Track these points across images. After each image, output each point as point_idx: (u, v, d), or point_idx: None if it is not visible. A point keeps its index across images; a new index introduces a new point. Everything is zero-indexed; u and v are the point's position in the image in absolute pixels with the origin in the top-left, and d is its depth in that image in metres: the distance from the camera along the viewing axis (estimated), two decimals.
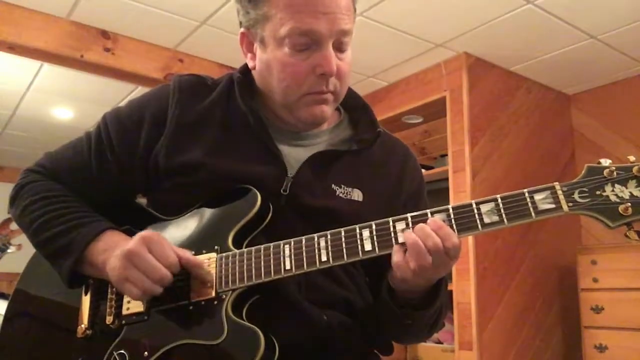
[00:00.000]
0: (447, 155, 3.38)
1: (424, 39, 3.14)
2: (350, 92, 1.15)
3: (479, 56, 3.33)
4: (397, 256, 0.86)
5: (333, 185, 1.03)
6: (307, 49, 0.96)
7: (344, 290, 1.02)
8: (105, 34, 3.16)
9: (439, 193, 3.31)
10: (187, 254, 0.93)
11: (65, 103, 4.27)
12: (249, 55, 1.06)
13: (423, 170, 2.97)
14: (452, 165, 3.27)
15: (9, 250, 5.56)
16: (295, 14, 0.94)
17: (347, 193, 1.03)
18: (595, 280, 3.03)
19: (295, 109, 1.02)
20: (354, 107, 1.15)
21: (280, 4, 0.95)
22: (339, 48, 0.99)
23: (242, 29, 1.05)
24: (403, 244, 0.86)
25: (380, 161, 1.10)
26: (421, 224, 0.85)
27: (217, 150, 1.02)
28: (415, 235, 0.84)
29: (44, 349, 1.04)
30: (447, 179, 3.29)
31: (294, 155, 1.04)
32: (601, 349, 2.94)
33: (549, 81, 3.65)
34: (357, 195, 1.04)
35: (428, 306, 0.96)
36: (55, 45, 3.02)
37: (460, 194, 3.16)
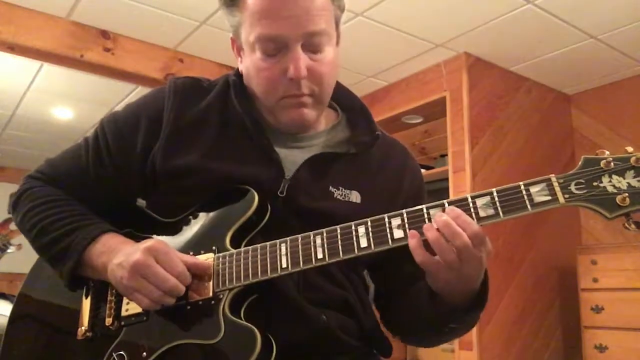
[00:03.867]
0: (447, 155, 3.38)
1: (424, 39, 3.14)
2: (348, 92, 1.15)
3: (479, 56, 3.33)
4: (419, 255, 0.84)
5: (331, 187, 1.03)
6: (278, 53, 0.97)
7: (341, 291, 1.02)
8: (105, 34, 3.16)
9: (439, 193, 3.31)
10: (192, 259, 0.93)
11: (65, 103, 4.27)
12: (239, 59, 1.08)
13: (423, 171, 2.96)
14: (452, 165, 3.27)
15: (9, 250, 5.56)
16: (260, 20, 0.95)
17: (345, 195, 1.03)
18: (595, 280, 3.03)
19: (276, 113, 1.03)
20: (352, 107, 1.15)
21: (247, 12, 0.96)
22: (312, 49, 0.98)
23: (231, 34, 1.06)
24: (421, 240, 0.83)
25: (379, 163, 1.10)
26: (439, 213, 0.82)
27: (213, 153, 1.02)
28: (435, 231, 0.82)
29: (46, 351, 1.04)
30: (447, 179, 3.29)
31: (291, 157, 1.04)
32: (601, 349, 2.94)
33: (549, 81, 3.65)
34: (355, 197, 1.04)
35: (476, 309, 0.93)
36: (55, 45, 3.02)
37: (460, 194, 3.14)
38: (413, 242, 0.83)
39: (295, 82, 0.97)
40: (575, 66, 3.40)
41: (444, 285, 0.90)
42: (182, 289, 0.90)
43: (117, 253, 0.94)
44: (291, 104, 1.00)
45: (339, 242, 0.87)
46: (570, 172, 0.81)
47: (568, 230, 3.60)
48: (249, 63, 1.02)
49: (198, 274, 0.93)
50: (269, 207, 0.97)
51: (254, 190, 0.96)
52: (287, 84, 0.98)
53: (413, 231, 0.84)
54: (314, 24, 0.96)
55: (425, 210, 0.85)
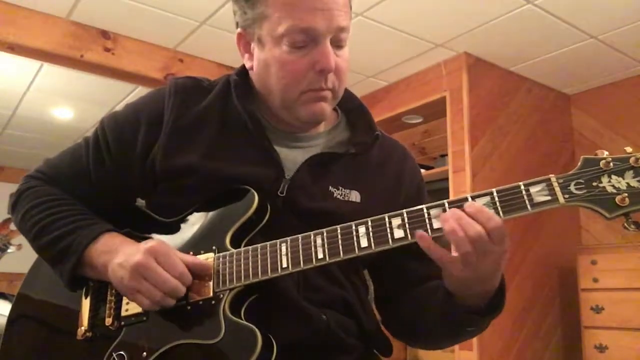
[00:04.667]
0: (447, 155, 3.38)
1: (424, 39, 3.14)
2: (348, 93, 1.15)
3: (479, 56, 3.33)
4: (434, 253, 0.83)
5: (330, 187, 1.03)
6: (305, 46, 0.96)
7: (342, 291, 1.02)
8: (105, 34, 3.16)
9: (439, 193, 3.31)
10: (192, 259, 0.93)
11: (65, 103, 4.27)
12: (246, 55, 1.06)
13: (423, 171, 2.95)
14: (452, 165, 3.27)
15: (9, 250, 5.56)
16: (293, 12, 0.94)
17: (344, 195, 1.03)
18: (595, 280, 3.03)
19: (294, 108, 1.02)
20: (352, 109, 1.15)
21: (277, 3, 0.95)
22: (337, 45, 0.99)
23: (238, 30, 1.05)
24: (436, 237, 0.83)
25: (379, 163, 1.10)
26: (454, 209, 0.81)
27: (213, 153, 1.02)
28: (452, 222, 0.80)
29: (45, 351, 1.04)
30: (447, 179, 3.29)
31: (292, 157, 1.04)
32: (601, 349, 2.94)
33: (549, 81, 3.65)
34: (355, 196, 1.04)
35: (492, 312, 0.92)
36: (55, 45, 3.02)
37: (460, 194, 3.14)
38: (424, 242, 0.82)
39: (322, 76, 0.98)
40: (575, 66, 3.40)
41: (459, 284, 0.89)
42: (183, 290, 0.91)
43: (118, 253, 0.94)
44: (313, 97, 1.00)
45: (340, 242, 0.87)
46: (570, 172, 0.81)
47: (568, 230, 3.60)
48: (268, 57, 1.00)
49: (198, 274, 0.93)
50: (269, 207, 0.97)
51: (253, 191, 0.96)
52: (312, 77, 0.98)
53: (421, 232, 0.83)
54: (343, 19, 0.97)
55: (425, 210, 0.85)
